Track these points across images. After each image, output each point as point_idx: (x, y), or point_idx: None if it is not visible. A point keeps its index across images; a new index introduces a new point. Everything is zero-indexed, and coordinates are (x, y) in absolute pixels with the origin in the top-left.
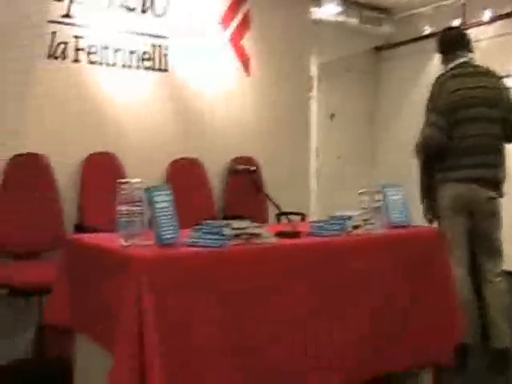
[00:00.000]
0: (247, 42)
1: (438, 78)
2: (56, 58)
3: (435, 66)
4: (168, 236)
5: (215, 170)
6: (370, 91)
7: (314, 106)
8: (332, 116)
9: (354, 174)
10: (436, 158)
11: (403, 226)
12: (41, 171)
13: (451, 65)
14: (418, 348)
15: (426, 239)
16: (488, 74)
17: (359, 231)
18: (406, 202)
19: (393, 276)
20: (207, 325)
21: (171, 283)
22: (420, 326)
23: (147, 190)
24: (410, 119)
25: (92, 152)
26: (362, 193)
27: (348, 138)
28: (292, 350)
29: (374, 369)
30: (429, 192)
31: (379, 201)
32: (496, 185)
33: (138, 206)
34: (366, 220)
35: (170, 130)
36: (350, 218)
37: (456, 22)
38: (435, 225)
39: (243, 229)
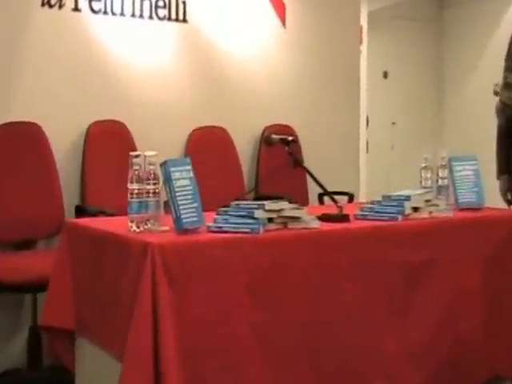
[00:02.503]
0: None
1: None
2: (51, 5)
3: None
4: (189, 220)
5: (245, 141)
6: (432, 44)
7: (363, 63)
8: (385, 74)
9: (413, 145)
10: None
11: (475, 209)
12: (34, 143)
13: None
14: (497, 357)
15: (504, 225)
16: None
17: (420, 214)
18: (479, 179)
19: (463, 270)
20: (236, 324)
21: (193, 276)
22: (499, 331)
23: (164, 164)
24: (485, 78)
25: (96, 120)
26: (423, 167)
27: (405, 101)
28: (337, 356)
29: (443, 382)
30: (508, 166)
31: (445, 177)
32: None
33: (152, 184)
34: (428, 201)
35: (191, 92)
36: (408, 198)
37: None
38: None
39: (279, 211)
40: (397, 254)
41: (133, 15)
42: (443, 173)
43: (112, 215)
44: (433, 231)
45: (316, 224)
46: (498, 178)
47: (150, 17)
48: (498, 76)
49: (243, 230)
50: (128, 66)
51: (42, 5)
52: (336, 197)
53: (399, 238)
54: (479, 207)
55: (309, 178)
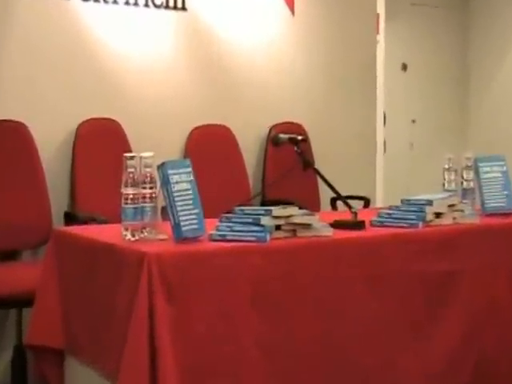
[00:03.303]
0: None
1: None
2: None
3: None
4: (189, 227)
5: (250, 141)
6: (456, 33)
7: (379, 55)
8: (404, 67)
9: (434, 144)
10: None
11: (504, 214)
12: (19, 144)
13: None
14: None
15: None
16: None
17: (443, 221)
18: (508, 181)
19: (490, 281)
20: (241, 341)
21: (193, 289)
22: None
23: (161, 166)
24: None
25: (87, 118)
26: (447, 169)
27: (426, 97)
28: (352, 376)
29: None
30: None
31: (471, 180)
32: None
33: (148, 188)
34: (452, 206)
35: (191, 88)
36: (430, 203)
37: None
38: None
39: (288, 218)
40: (417, 265)
41: (127, 3)
42: (468, 175)
43: (104, 223)
44: (457, 239)
45: (328, 232)
46: None
47: (146, 4)
48: None
49: (248, 238)
50: (122, 58)
51: None
52: (350, 201)
53: (420, 247)
54: (508, 212)
55: (320, 181)
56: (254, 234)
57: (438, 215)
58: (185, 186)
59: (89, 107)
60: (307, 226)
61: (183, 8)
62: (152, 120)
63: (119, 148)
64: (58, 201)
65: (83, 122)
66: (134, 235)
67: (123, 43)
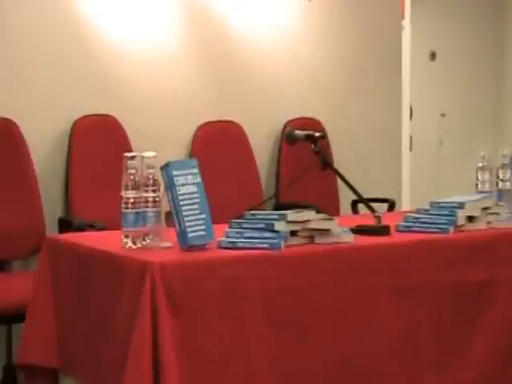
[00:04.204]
0: None
1: None
2: None
3: None
4: (196, 234)
5: (263, 138)
6: (491, 17)
7: (405, 43)
8: (433, 56)
9: (466, 141)
10: None
11: None
12: (8, 143)
13: None
14: None
15: None
16: None
17: (476, 225)
18: None
19: None
20: (252, 359)
21: (200, 301)
22: None
23: (165, 167)
24: None
25: (83, 115)
26: (480, 168)
27: (457, 88)
28: None
29: None
30: None
31: (507, 180)
32: None
33: (151, 191)
34: (486, 208)
35: (197, 80)
36: (461, 205)
37: None
38: None
39: (304, 223)
40: (448, 274)
41: None
42: (504, 174)
43: (103, 229)
44: (492, 245)
45: (349, 238)
46: None
47: None
48: None
49: (261, 245)
50: (120, 48)
51: None
52: (373, 204)
53: (451, 255)
54: None
55: (340, 183)
56: (267, 240)
57: (470, 219)
58: (191, 188)
59: (85, 103)
60: (326, 232)
61: None
62: (154, 116)
63: (118, 147)
64: (51, 206)
65: (79, 119)
66: (135, 243)
67: (122, 30)
